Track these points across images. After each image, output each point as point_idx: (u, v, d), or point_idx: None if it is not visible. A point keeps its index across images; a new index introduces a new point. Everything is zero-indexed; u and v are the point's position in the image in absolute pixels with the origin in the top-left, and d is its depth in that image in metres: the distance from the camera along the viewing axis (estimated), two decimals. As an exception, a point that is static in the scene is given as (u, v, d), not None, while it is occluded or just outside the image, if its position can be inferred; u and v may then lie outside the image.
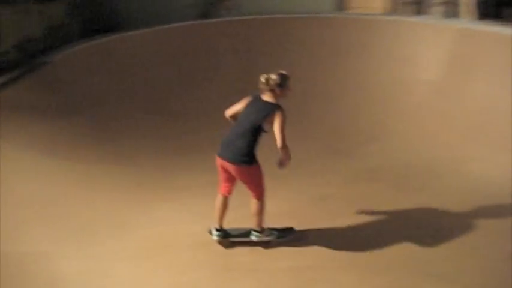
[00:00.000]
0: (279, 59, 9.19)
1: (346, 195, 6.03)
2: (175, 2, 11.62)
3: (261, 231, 4.92)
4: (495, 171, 6.34)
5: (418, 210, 5.63)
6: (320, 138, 7.55)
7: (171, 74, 9.41)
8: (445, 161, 6.78)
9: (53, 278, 4.49)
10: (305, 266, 4.71)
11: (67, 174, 6.26)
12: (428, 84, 8.32)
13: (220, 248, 4.99)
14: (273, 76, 4.56)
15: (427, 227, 5.30)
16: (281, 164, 4.55)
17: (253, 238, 4.94)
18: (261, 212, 4.81)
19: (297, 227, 5.17)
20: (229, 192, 4.85)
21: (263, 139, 4.61)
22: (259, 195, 4.75)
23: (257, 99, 4.64)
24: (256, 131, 4.50)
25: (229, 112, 4.84)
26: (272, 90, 4.57)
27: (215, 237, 4.96)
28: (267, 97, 4.61)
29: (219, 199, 4.88)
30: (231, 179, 4.76)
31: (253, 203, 4.78)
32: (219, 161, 4.65)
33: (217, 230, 4.96)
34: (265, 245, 4.97)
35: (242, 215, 5.06)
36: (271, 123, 4.45)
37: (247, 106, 4.66)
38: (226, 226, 4.99)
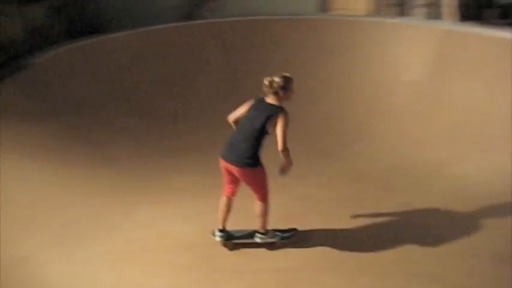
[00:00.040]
0: (262, 60, 9.23)
1: (329, 196, 6.03)
2: (159, 3, 11.57)
3: (265, 232, 4.94)
4: (477, 171, 6.43)
5: (403, 210, 5.65)
6: (304, 140, 7.56)
7: (156, 76, 9.36)
8: (428, 162, 6.83)
9: (36, 283, 4.44)
10: (291, 267, 4.72)
11: (49, 178, 6.20)
12: (412, 85, 8.39)
13: (205, 250, 4.97)
14: (277, 79, 4.55)
15: (412, 227, 5.34)
16: (283, 171, 4.59)
17: (258, 240, 4.95)
18: (265, 213, 4.83)
19: (281, 228, 5.17)
20: (233, 193, 4.86)
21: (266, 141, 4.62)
22: (264, 197, 4.77)
23: (260, 102, 4.64)
24: (260, 134, 4.51)
25: (233, 117, 4.81)
26: (276, 93, 4.57)
27: (218, 239, 4.96)
28: (270, 100, 4.61)
29: (222, 200, 4.89)
30: (234, 181, 4.77)
31: (258, 205, 4.80)
32: (223, 164, 4.66)
33: (220, 231, 4.96)
34: (270, 246, 4.98)
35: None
36: (274, 125, 4.46)
37: (251, 109, 4.66)
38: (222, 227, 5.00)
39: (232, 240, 5.00)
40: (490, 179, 6.21)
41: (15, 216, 5.23)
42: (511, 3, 10.97)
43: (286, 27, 9.94)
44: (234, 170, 4.58)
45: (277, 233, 5.01)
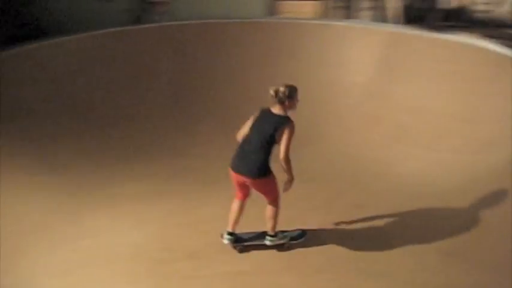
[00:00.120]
0: (213, 63, 9.19)
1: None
2: (109, 6, 11.35)
3: (275, 234, 4.96)
4: (422, 170, 6.62)
5: (353, 211, 5.73)
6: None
7: (105, 80, 9.14)
8: (376, 162, 6.97)
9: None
10: (244, 270, 4.72)
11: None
12: (359, 87, 8.52)
13: (157, 256, 4.90)
14: (282, 88, 4.56)
15: (363, 227, 5.44)
16: (286, 187, 4.66)
17: (268, 243, 4.97)
18: (275, 216, 4.86)
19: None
20: (247, 195, 4.91)
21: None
22: (274, 200, 4.81)
23: (267, 113, 4.63)
24: (269, 144, 4.53)
25: (241, 135, 4.76)
26: (282, 103, 4.58)
27: (226, 241, 4.94)
28: (276, 110, 4.60)
29: (236, 203, 4.91)
30: (246, 187, 4.79)
31: (269, 208, 4.83)
32: (234, 176, 4.65)
33: (229, 234, 4.94)
34: (279, 248, 5.00)
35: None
36: (281, 135, 4.49)
37: (257, 120, 4.65)
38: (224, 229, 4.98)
39: (240, 243, 5.01)
40: (435, 177, 6.41)
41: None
42: (453, 7, 11.42)
43: (236, 30, 9.93)
44: (247, 181, 4.60)
45: (286, 235, 5.07)
